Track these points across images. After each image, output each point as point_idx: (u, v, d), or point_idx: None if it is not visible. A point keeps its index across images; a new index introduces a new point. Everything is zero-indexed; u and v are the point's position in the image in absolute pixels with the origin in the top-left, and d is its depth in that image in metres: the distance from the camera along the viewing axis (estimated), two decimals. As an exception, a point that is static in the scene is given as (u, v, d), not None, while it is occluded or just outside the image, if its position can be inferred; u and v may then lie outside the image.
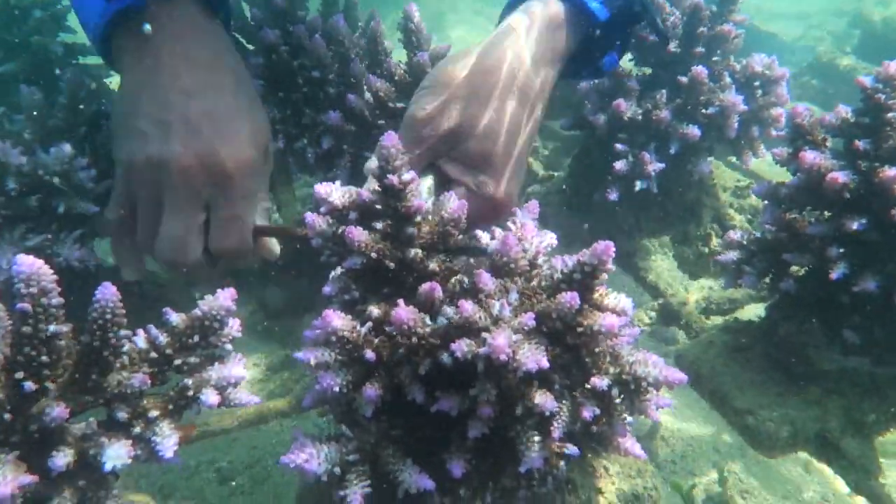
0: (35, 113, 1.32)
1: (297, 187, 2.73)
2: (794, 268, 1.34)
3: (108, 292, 0.85)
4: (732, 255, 1.40)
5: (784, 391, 1.34)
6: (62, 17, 2.01)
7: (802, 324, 1.32)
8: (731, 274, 1.41)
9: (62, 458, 0.78)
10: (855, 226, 1.15)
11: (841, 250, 1.19)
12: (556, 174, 2.60)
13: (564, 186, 2.19)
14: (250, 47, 1.81)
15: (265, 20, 1.72)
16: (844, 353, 1.29)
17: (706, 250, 2.06)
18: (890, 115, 1.13)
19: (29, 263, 0.79)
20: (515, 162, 1.23)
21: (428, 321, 1.05)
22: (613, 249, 1.04)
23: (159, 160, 1.06)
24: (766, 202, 1.36)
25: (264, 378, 2.70)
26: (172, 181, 1.07)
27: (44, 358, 0.80)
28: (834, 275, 1.18)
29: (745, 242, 1.40)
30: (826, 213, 1.25)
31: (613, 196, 1.81)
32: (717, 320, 1.83)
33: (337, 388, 1.01)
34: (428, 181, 1.27)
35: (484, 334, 0.99)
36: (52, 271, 0.81)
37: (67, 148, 1.20)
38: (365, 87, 1.65)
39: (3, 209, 1.14)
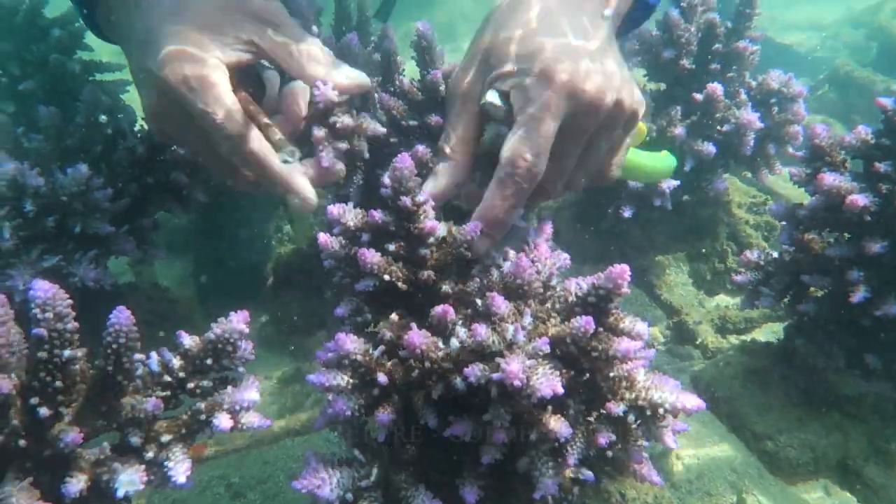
0: (53, 132, 1.34)
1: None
2: (813, 289, 1.31)
3: (122, 317, 0.85)
4: (749, 275, 1.38)
5: (804, 416, 1.31)
6: (80, 35, 2.04)
7: (822, 347, 1.30)
8: (749, 295, 1.39)
9: (75, 485, 0.78)
10: (876, 248, 1.13)
11: (861, 273, 1.17)
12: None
13: (576, 202, 2.18)
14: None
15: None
16: (866, 377, 1.26)
17: (722, 267, 2.04)
18: (911, 136, 1.11)
19: (45, 289, 0.79)
20: (597, 52, 1.05)
21: (441, 344, 1.04)
22: (629, 273, 1.03)
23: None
24: (783, 223, 1.35)
25: (276, 391, 2.71)
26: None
27: (58, 383, 0.80)
28: (855, 298, 1.16)
29: (762, 263, 1.38)
30: (845, 235, 1.23)
31: (627, 213, 1.80)
32: (734, 339, 1.81)
33: (349, 413, 1.01)
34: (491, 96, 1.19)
35: (497, 359, 0.98)
36: (67, 296, 0.82)
37: (84, 169, 1.21)
38: (378, 105, 1.65)
39: (21, 230, 1.15)
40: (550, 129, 1.07)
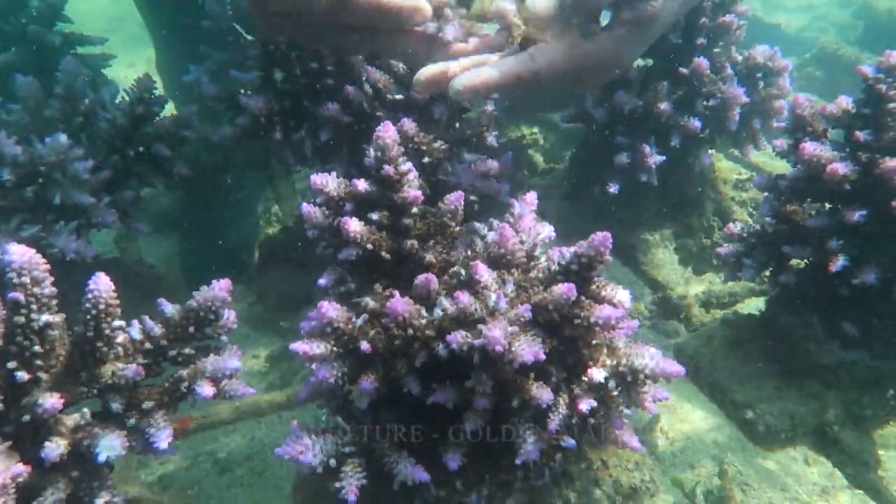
0: (31, 103, 1.32)
1: (297, 179, 2.73)
2: (795, 261, 1.33)
3: (101, 282, 0.84)
4: (732, 247, 1.39)
5: (783, 385, 1.33)
6: (60, 7, 2.01)
7: (802, 317, 1.32)
8: (731, 267, 1.41)
9: (55, 450, 0.78)
10: (855, 217, 1.14)
11: (840, 242, 1.18)
12: (557, 166, 2.59)
13: (565, 180, 2.18)
14: (249, 37, 1.80)
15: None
16: (844, 346, 1.28)
17: (708, 243, 2.05)
18: (891, 105, 1.12)
19: (20, 253, 0.78)
20: None
21: (424, 313, 1.05)
22: (611, 241, 1.03)
23: None
24: (766, 194, 1.35)
25: (264, 369, 2.71)
26: None
27: (36, 348, 0.79)
28: (834, 267, 1.17)
29: (744, 235, 1.39)
30: (826, 205, 1.24)
31: (614, 189, 1.80)
32: (718, 314, 1.83)
33: (332, 381, 1.01)
34: None
35: (480, 326, 0.98)
36: (44, 261, 0.81)
37: (63, 138, 1.20)
38: (364, 79, 1.64)
39: (-1, 200, 1.14)
40: None
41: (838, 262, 1.17)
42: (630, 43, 1.08)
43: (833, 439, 1.25)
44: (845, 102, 1.19)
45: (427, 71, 1.11)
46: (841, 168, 1.13)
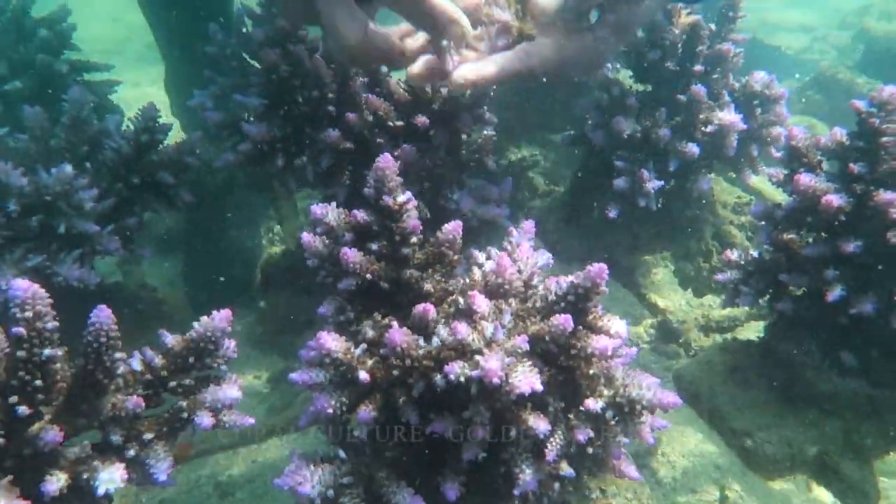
0: (38, 132, 1.34)
1: (299, 199, 2.75)
2: (791, 288, 1.33)
3: (102, 315, 0.85)
4: (730, 274, 1.40)
5: (782, 412, 1.33)
6: (67, 36, 2.04)
7: (800, 345, 1.32)
8: (729, 293, 1.41)
9: (55, 483, 0.79)
10: (850, 248, 1.15)
11: (837, 272, 1.19)
12: (557, 189, 2.60)
13: (564, 202, 2.19)
14: (255, 64, 1.83)
15: (266, 40, 1.74)
16: (842, 374, 1.28)
17: (707, 266, 2.06)
18: (884, 139, 1.13)
19: (24, 288, 0.80)
20: None
21: (422, 343, 1.05)
22: (607, 272, 1.04)
23: None
24: (762, 223, 1.37)
25: (265, 390, 2.71)
26: None
27: (38, 382, 0.80)
28: (830, 296, 1.18)
29: (742, 262, 1.40)
30: (822, 235, 1.25)
31: (613, 213, 1.82)
32: (717, 338, 1.83)
33: (330, 410, 1.02)
34: None
35: (477, 357, 0.99)
36: (47, 295, 0.82)
37: (68, 168, 1.21)
38: (364, 106, 1.66)
39: (4, 230, 1.16)
40: None
41: (835, 292, 1.18)
42: (609, 43, 1.16)
43: (833, 468, 1.25)
44: (840, 134, 1.20)
45: (424, 62, 1.13)
46: (836, 200, 1.14)
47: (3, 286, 1.10)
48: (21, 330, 0.78)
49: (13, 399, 0.78)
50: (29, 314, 0.79)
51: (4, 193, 1.15)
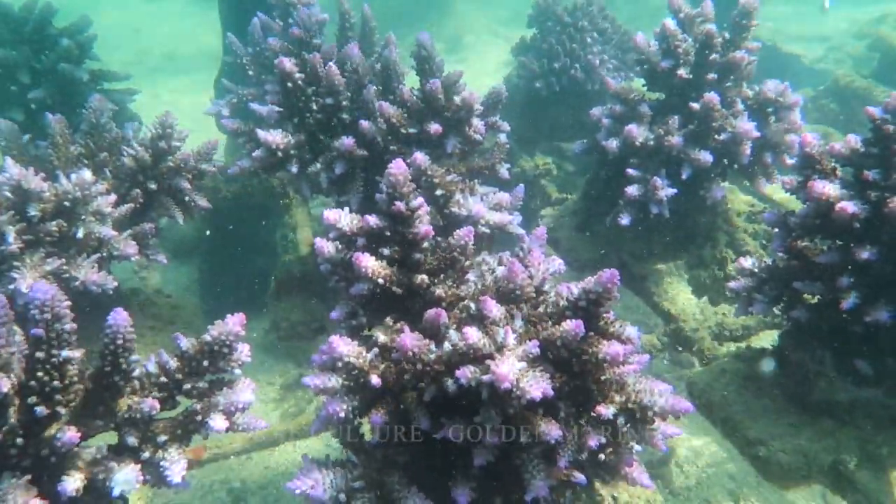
0: (59, 139, 1.37)
1: (313, 206, 2.78)
2: (805, 296, 1.32)
3: (119, 318, 0.87)
4: (743, 282, 1.39)
5: (796, 421, 1.32)
6: (88, 46, 2.08)
7: (814, 353, 1.31)
8: (743, 301, 1.40)
9: (72, 483, 0.80)
10: (865, 255, 1.14)
11: (852, 279, 1.18)
12: (569, 196, 2.61)
13: (577, 210, 2.19)
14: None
15: (282, 48, 1.77)
16: (857, 383, 1.27)
17: (721, 274, 2.05)
18: (899, 144, 1.12)
19: (44, 290, 0.81)
20: None
21: (433, 347, 1.06)
22: (619, 278, 1.04)
23: None
24: (776, 230, 1.36)
25: (279, 397, 2.72)
26: None
27: (56, 383, 0.82)
28: (845, 304, 1.17)
29: (756, 270, 1.39)
30: (836, 242, 1.24)
31: (625, 221, 1.81)
32: (731, 347, 1.81)
33: (342, 414, 1.02)
34: None
35: (488, 361, 0.99)
36: (66, 297, 0.84)
37: (87, 174, 1.24)
38: (378, 114, 1.68)
39: (25, 234, 1.18)
40: None
41: (850, 299, 1.16)
42: None
43: (848, 478, 1.23)
44: (854, 141, 1.19)
45: None
46: (850, 207, 1.13)
47: (24, 289, 1.12)
48: (40, 331, 0.80)
49: (32, 399, 0.80)
50: (48, 316, 0.81)
51: (25, 198, 1.17)
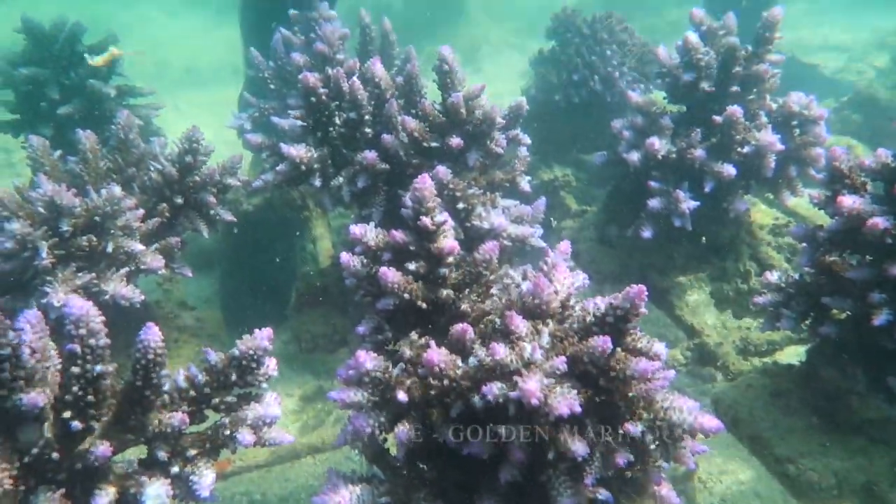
0: (89, 155, 1.39)
1: (333, 218, 2.79)
2: (834, 312, 1.30)
3: (151, 334, 0.88)
4: (770, 297, 1.38)
5: (826, 439, 1.29)
6: (115, 63, 2.12)
7: (844, 370, 1.29)
8: (769, 317, 1.39)
9: (104, 498, 0.81)
10: (898, 271, 1.12)
11: (883, 295, 1.16)
12: (589, 209, 2.60)
13: (597, 222, 2.18)
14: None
15: (306, 63, 1.79)
16: (889, 400, 1.24)
17: (745, 288, 2.02)
18: (931, 159, 1.11)
19: (79, 306, 0.82)
20: None
21: (460, 363, 1.06)
22: (646, 293, 1.04)
23: None
24: (804, 245, 1.34)
25: (298, 408, 2.73)
26: None
27: (90, 398, 0.83)
28: (877, 321, 1.15)
29: (783, 285, 1.37)
30: (866, 258, 1.23)
31: (647, 234, 1.80)
32: (756, 362, 1.79)
33: (369, 430, 1.02)
34: None
35: (515, 378, 0.99)
36: (100, 313, 0.85)
37: (117, 190, 1.26)
38: (400, 128, 1.69)
39: (57, 249, 1.20)
40: None
41: (881, 316, 1.15)
42: None
43: (882, 498, 1.21)
44: (884, 156, 1.18)
45: None
46: (881, 222, 1.12)
47: (56, 303, 1.14)
48: (76, 347, 0.81)
49: (67, 414, 0.81)
50: (83, 331, 0.82)
51: (57, 214, 1.19)
